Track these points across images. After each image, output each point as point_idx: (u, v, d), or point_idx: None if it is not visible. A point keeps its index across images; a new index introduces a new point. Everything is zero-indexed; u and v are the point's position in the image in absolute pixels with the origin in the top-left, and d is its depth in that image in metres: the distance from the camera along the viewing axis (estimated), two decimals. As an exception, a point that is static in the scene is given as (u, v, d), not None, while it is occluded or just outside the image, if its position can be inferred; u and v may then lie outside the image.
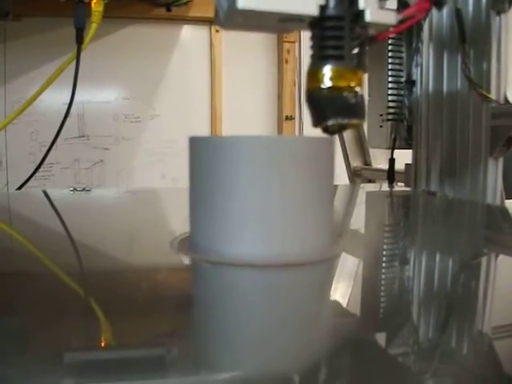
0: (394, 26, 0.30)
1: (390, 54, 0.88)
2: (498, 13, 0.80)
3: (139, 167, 1.76)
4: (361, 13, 0.30)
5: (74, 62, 0.74)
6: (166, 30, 1.75)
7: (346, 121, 0.30)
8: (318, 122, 0.30)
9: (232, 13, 0.30)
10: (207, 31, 1.83)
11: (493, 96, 0.80)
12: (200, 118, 1.81)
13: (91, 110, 1.62)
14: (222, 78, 1.83)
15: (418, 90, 0.88)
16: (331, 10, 0.29)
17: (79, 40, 0.69)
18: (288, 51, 1.90)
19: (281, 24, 0.31)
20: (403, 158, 0.94)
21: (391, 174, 0.90)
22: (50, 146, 0.78)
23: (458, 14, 0.81)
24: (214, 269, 0.32)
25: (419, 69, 0.88)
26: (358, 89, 0.30)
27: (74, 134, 1.59)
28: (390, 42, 0.87)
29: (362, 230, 0.53)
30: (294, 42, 1.89)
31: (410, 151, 0.93)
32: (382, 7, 0.28)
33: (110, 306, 0.27)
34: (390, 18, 0.30)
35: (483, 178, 0.80)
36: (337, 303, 0.29)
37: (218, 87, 1.82)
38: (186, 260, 0.37)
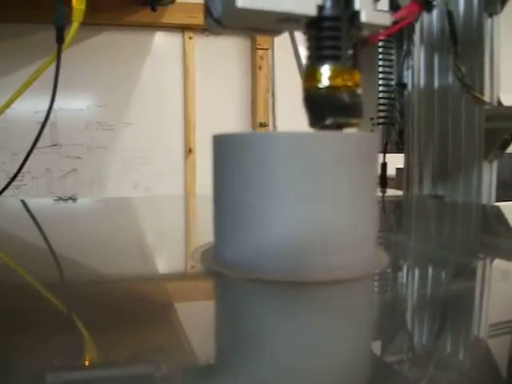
0: (386, 28, 0.33)
1: (380, 57, 0.91)
2: (490, 15, 0.83)
3: (112, 176, 1.78)
4: (356, 13, 0.32)
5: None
6: (139, 36, 1.78)
7: (344, 120, 0.32)
8: (315, 121, 0.33)
9: (230, 13, 0.32)
10: (180, 38, 1.88)
11: (486, 98, 0.83)
12: (173, 125, 1.85)
13: (63, 118, 1.63)
14: (196, 85, 1.88)
15: (409, 92, 0.92)
16: (328, 10, 0.32)
17: (60, 40, 0.68)
18: (261, 58, 1.96)
19: (277, 25, 0.34)
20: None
21: (384, 179, 0.92)
22: (28, 154, 0.78)
23: (449, 16, 0.84)
24: (253, 287, 0.30)
25: (410, 71, 0.91)
26: (355, 88, 0.32)
27: (45, 142, 1.61)
28: (380, 44, 0.90)
29: (393, 239, 0.50)
30: (267, 49, 1.95)
31: (394, 156, 0.96)
32: (376, 8, 0.31)
33: (151, 327, 0.26)
34: (384, 19, 0.33)
35: (477, 182, 0.83)
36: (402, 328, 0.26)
37: (192, 94, 1.86)
38: (216, 277, 0.33)
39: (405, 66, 0.90)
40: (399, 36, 0.91)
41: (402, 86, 0.91)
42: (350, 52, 0.33)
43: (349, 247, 0.30)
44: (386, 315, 0.28)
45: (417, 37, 0.89)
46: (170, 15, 1.75)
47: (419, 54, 0.90)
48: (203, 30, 1.91)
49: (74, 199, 0.74)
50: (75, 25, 0.68)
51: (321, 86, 0.32)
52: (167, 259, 0.42)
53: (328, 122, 0.31)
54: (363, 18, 0.32)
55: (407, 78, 0.91)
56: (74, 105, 1.70)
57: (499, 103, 0.84)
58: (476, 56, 0.83)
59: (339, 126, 0.32)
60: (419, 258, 0.41)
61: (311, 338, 0.24)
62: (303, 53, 1.13)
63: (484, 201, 0.82)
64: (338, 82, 0.32)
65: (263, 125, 1.95)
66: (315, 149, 0.29)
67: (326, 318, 0.26)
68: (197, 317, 0.28)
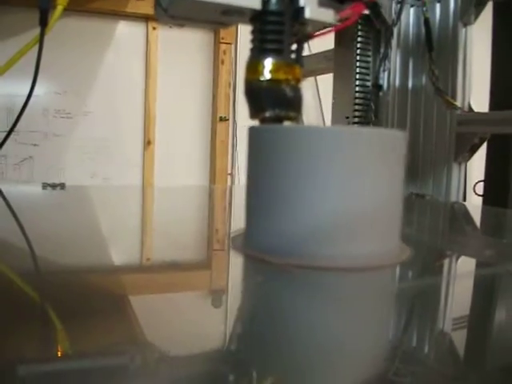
0: (331, 25, 0.36)
1: (358, 59, 0.93)
2: (465, 24, 0.86)
3: (69, 165, 1.78)
4: (301, 9, 0.34)
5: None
6: (102, 24, 1.76)
7: (283, 113, 0.34)
8: (255, 113, 0.34)
9: (176, 2, 0.33)
10: (144, 28, 1.86)
11: (458, 104, 0.88)
12: (133, 116, 1.84)
13: (21, 104, 1.63)
14: (157, 77, 1.89)
15: (384, 94, 0.95)
16: (273, 4, 0.33)
17: (43, 22, 0.68)
18: (224, 52, 1.97)
19: (222, 17, 0.35)
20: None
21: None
22: (4, 140, 0.77)
23: (426, 23, 0.86)
24: (297, 273, 0.32)
25: (386, 74, 0.95)
26: (296, 82, 0.34)
27: (1, 127, 1.60)
28: (358, 46, 0.93)
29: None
30: (230, 44, 1.96)
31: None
32: (320, 5, 0.34)
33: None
34: (328, 16, 0.34)
35: (447, 181, 0.89)
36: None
37: (153, 86, 1.86)
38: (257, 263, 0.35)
39: (381, 69, 0.93)
40: (377, 39, 0.94)
41: (377, 87, 0.94)
42: (293, 47, 0.34)
43: (383, 236, 0.33)
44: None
45: (394, 41, 0.94)
46: (134, 4, 1.71)
47: (395, 58, 0.94)
48: (167, 21, 1.92)
49: (62, 186, 0.72)
50: (59, 8, 0.70)
51: (262, 78, 0.33)
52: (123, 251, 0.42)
53: (268, 114, 0.33)
54: (307, 14, 0.33)
55: (383, 79, 0.94)
56: (32, 91, 1.70)
57: (470, 109, 0.88)
58: (450, 63, 0.87)
59: (278, 119, 0.34)
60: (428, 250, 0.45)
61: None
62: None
63: (453, 199, 0.88)
64: (279, 75, 0.33)
65: (223, 119, 1.98)
66: (355, 143, 0.32)
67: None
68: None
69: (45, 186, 0.72)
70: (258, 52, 0.34)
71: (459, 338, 0.25)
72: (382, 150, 0.33)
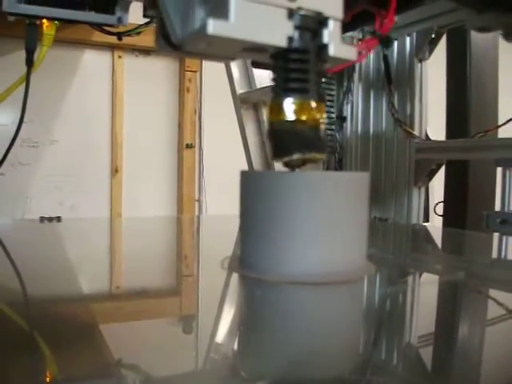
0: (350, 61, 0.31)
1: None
2: (420, 60, 0.88)
3: (36, 194, 1.67)
4: (324, 47, 0.30)
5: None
6: (68, 53, 1.68)
7: (310, 155, 0.30)
8: (280, 155, 0.30)
9: (193, 38, 0.28)
10: (110, 57, 1.80)
11: (416, 133, 0.89)
12: (100, 144, 1.76)
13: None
14: (124, 105, 1.82)
15: (348, 125, 0.96)
16: (297, 42, 0.29)
17: (29, 62, 0.69)
18: (190, 80, 1.92)
19: (240, 53, 0.31)
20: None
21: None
22: None
23: (385, 59, 0.87)
24: (289, 287, 0.36)
25: (350, 106, 0.96)
26: (321, 122, 0.30)
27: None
28: (323, 80, 0.96)
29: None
30: (195, 72, 1.91)
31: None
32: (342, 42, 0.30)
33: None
34: (350, 53, 0.30)
35: (407, 205, 0.90)
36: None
37: (119, 114, 1.79)
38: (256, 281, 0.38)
39: (345, 101, 0.94)
40: (340, 74, 0.93)
41: (341, 118, 0.94)
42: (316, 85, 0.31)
43: (352, 258, 0.37)
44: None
45: (356, 76, 0.95)
46: (99, 33, 1.69)
47: (357, 91, 0.94)
48: (133, 49, 1.80)
49: (58, 219, 0.69)
50: (45, 49, 0.69)
51: (288, 119, 0.30)
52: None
53: (295, 156, 0.29)
54: (331, 51, 0.30)
55: (346, 111, 0.94)
56: (-3, 119, 1.58)
57: (427, 137, 0.89)
58: (407, 95, 0.88)
59: (304, 162, 0.30)
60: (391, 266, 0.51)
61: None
62: (237, 79, 1.12)
63: (413, 221, 0.89)
64: (306, 115, 0.29)
65: (190, 146, 1.93)
66: (329, 186, 0.35)
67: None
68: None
69: (42, 219, 0.70)
70: (282, 91, 0.30)
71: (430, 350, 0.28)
72: (350, 189, 0.37)
